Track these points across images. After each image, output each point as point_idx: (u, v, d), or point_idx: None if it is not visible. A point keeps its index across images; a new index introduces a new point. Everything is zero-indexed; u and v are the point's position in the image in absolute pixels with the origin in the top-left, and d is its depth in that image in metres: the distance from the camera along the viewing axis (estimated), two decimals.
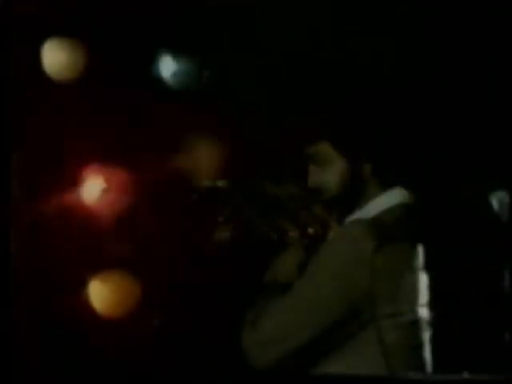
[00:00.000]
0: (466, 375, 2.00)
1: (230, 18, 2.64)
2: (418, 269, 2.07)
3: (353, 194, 2.22)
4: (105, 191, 2.64)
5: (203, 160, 2.64)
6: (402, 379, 2.01)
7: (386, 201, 2.19)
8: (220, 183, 2.47)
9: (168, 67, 2.72)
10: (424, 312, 2.06)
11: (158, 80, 2.72)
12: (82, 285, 2.65)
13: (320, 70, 2.60)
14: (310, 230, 2.29)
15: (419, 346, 2.07)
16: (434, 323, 2.06)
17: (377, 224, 2.08)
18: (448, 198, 2.36)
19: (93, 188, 2.64)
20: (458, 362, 2.06)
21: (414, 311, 2.06)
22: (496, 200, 2.57)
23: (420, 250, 2.07)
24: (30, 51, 2.61)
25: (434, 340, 2.06)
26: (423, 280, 2.06)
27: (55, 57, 2.65)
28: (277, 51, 2.64)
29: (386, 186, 2.21)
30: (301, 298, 2.09)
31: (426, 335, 2.06)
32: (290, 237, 2.32)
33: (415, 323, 2.06)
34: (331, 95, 2.30)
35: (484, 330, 2.15)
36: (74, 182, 2.63)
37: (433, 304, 2.06)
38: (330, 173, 2.21)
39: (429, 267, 2.07)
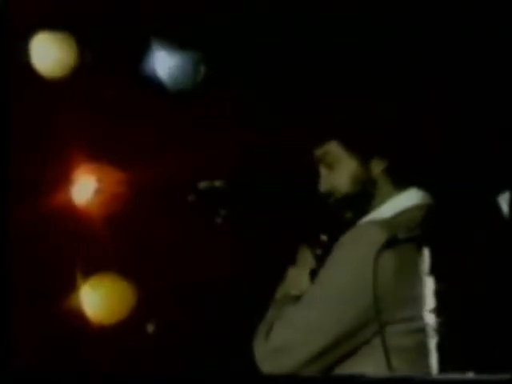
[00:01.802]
0: (470, 375, 1.94)
1: (227, 12, 2.58)
2: (429, 271, 2.00)
3: (365, 195, 2.16)
4: (97, 191, 2.59)
5: (200, 159, 2.58)
6: (407, 379, 1.96)
7: (402, 201, 2.13)
8: (218, 183, 2.43)
9: (163, 63, 2.66)
10: (435, 316, 1.99)
11: (153, 77, 2.66)
12: (73, 290, 2.61)
13: (323, 62, 2.56)
14: (323, 238, 2.24)
15: (430, 351, 2.00)
16: (446, 327, 1.99)
17: (391, 225, 2.02)
18: (455, 198, 2.28)
19: (85, 188, 2.59)
20: (467, 367, 1.98)
21: (426, 315, 1.99)
22: (504, 201, 2.50)
23: (431, 253, 2.00)
24: (20, 47, 2.56)
25: (445, 344, 1.99)
26: (434, 283, 2.00)
27: (45, 52, 2.59)
28: (277, 44, 2.60)
29: (399, 185, 2.15)
30: (314, 305, 2.03)
31: (438, 339, 1.99)
32: (300, 246, 2.27)
33: (428, 328, 2.00)
34: (337, 89, 2.26)
35: (493, 334, 2.06)
36: (66, 181, 2.58)
37: (444, 308, 1.99)
38: (340, 174, 2.16)
39: (439, 270, 2.00)
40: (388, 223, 2.03)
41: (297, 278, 2.22)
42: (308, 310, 2.03)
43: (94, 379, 1.99)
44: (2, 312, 2.30)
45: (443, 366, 1.97)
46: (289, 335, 2.02)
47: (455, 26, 2.52)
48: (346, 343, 2.00)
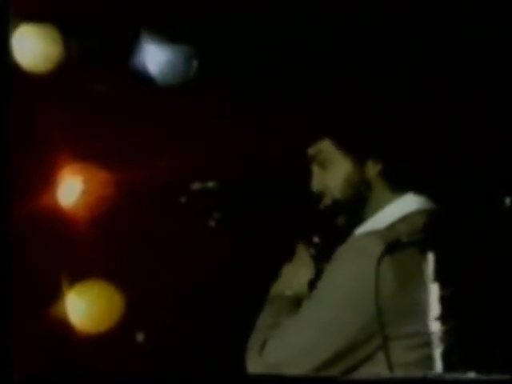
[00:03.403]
0: (470, 375, 1.89)
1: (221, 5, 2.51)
2: (433, 277, 1.92)
3: (359, 199, 2.07)
4: (84, 193, 2.53)
5: (192, 159, 2.51)
6: (407, 380, 1.90)
7: (400, 208, 2.04)
8: (211, 184, 2.40)
9: (153, 58, 2.58)
10: (440, 324, 1.91)
11: (143, 72, 2.59)
12: (58, 297, 2.54)
13: (319, 60, 2.50)
14: (316, 239, 2.17)
15: (434, 363, 1.92)
16: (451, 334, 1.92)
17: (391, 236, 1.92)
18: (460, 201, 2.20)
19: (70, 190, 2.53)
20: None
21: (430, 325, 1.91)
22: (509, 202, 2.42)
23: (436, 257, 1.92)
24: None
25: (450, 352, 1.92)
26: (439, 289, 1.92)
27: (28, 46, 2.51)
28: (271, 41, 2.55)
29: (395, 188, 2.06)
30: (311, 320, 1.95)
31: (442, 348, 1.91)
32: (296, 245, 2.20)
33: (432, 338, 1.92)
34: (330, 85, 2.19)
35: (499, 337, 1.99)
36: (50, 183, 2.52)
37: (448, 315, 1.91)
38: (333, 174, 2.08)
39: (444, 275, 1.92)
40: (387, 234, 1.94)
41: (292, 276, 2.15)
42: (304, 326, 1.95)
43: (94, 380, 1.93)
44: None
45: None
46: (283, 353, 1.95)
47: (455, 26, 2.47)
48: (345, 360, 1.92)
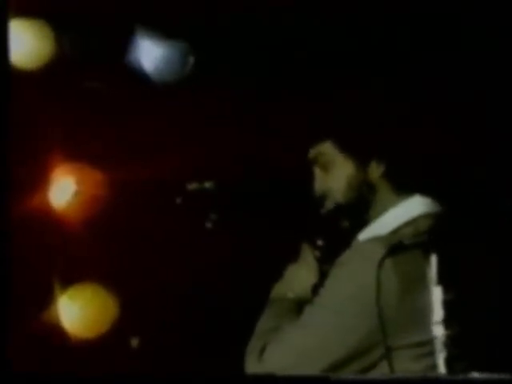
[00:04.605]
0: (471, 375, 1.91)
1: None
2: (436, 284, 1.90)
3: (362, 201, 2.06)
4: (78, 194, 2.49)
5: (191, 159, 2.47)
6: (408, 380, 1.90)
7: (405, 211, 2.02)
8: (208, 185, 2.39)
9: (148, 54, 2.54)
10: (444, 331, 1.90)
11: (137, 69, 2.54)
12: (51, 300, 2.49)
13: (321, 60, 2.49)
14: (320, 242, 2.16)
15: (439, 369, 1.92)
16: (455, 340, 1.90)
17: (395, 241, 1.91)
18: (462, 202, 2.20)
19: (63, 190, 2.48)
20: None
21: (434, 334, 1.89)
22: None
23: (438, 262, 1.91)
24: None
25: (454, 360, 1.90)
26: (442, 296, 1.90)
27: (18, 41, 2.42)
28: (271, 40, 2.52)
29: (400, 190, 2.04)
30: (311, 326, 1.94)
31: (446, 354, 1.90)
32: (297, 246, 2.19)
33: (437, 348, 1.90)
34: (330, 85, 2.19)
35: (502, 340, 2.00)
36: (42, 183, 2.46)
37: (453, 319, 1.90)
38: (335, 177, 2.06)
39: (447, 280, 1.90)
40: (391, 239, 1.93)
41: (295, 278, 2.14)
42: (304, 333, 1.94)
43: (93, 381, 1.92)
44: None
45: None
46: (282, 359, 1.94)
47: (455, 26, 2.47)
48: (347, 368, 1.91)
